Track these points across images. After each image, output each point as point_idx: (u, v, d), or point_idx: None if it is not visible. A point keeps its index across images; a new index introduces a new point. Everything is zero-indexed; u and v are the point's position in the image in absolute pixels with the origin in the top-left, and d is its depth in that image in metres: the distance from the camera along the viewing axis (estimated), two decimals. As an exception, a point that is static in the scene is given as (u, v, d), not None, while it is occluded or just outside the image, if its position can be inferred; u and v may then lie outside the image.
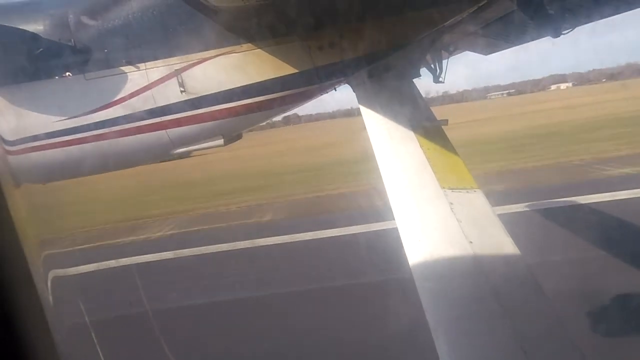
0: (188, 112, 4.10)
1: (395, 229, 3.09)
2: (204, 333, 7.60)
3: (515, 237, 2.93)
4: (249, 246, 12.02)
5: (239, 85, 3.99)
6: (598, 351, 5.40)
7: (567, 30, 4.72)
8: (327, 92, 4.72)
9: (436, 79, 5.23)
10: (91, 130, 4.17)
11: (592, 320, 6.31)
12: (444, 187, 3.22)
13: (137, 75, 4.06)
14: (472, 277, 2.71)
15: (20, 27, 4.02)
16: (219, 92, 4.03)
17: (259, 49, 3.87)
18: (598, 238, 9.11)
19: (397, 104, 3.91)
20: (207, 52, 3.94)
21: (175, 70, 3.97)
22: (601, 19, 5.07)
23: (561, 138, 24.83)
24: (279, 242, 12.06)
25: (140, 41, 4.05)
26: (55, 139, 4.24)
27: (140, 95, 4.08)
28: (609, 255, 8.26)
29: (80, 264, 10.91)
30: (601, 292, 6.91)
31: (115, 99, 4.10)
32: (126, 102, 4.11)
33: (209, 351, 7.15)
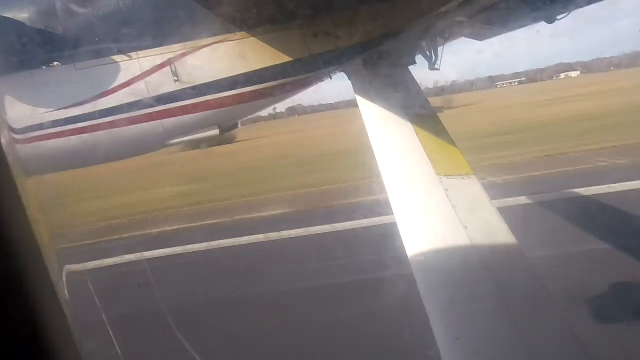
0: (182, 101, 4.07)
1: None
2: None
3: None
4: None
5: (233, 74, 3.96)
6: (588, 331, 5.54)
7: (562, 16, 4.72)
8: (323, 81, 4.70)
9: (432, 67, 5.22)
10: (81, 121, 4.12)
11: (583, 308, 6.43)
12: (439, 174, 3.25)
13: (129, 65, 4.00)
14: (468, 262, 2.76)
15: (5, 16, 3.94)
16: (213, 81, 3.99)
17: (253, 37, 3.83)
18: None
19: (393, 91, 3.90)
20: (201, 40, 3.89)
21: (169, 59, 3.93)
22: (594, 3, 5.07)
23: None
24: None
25: (132, 29, 3.98)
26: (44, 131, 4.19)
27: (133, 85, 4.03)
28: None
29: (95, 259, 10.86)
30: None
31: (107, 89, 4.05)
32: (118, 92, 4.06)
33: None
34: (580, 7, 4.97)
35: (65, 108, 4.11)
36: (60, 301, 0.90)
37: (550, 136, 21.01)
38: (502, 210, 3.10)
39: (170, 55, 3.92)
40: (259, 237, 12.20)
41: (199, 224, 14.94)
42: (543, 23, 4.94)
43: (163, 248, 12.19)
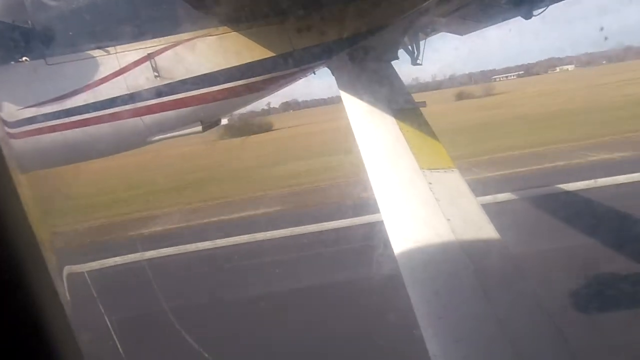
0: (163, 97, 4.00)
1: None
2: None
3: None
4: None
5: (215, 70, 3.90)
6: (570, 321, 5.73)
7: (539, 11, 4.83)
8: (307, 76, 4.69)
9: (414, 62, 5.28)
10: (54, 119, 4.01)
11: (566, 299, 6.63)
12: (422, 168, 3.31)
13: (106, 60, 3.90)
14: (451, 253, 2.83)
15: None
16: (195, 77, 3.93)
17: (235, 32, 3.78)
18: None
19: (376, 86, 3.94)
20: (182, 35, 3.82)
21: (149, 54, 3.84)
22: None
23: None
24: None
25: (110, 23, 3.88)
26: (17, 128, 4.06)
27: (111, 81, 3.93)
28: None
29: (95, 260, 10.61)
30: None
31: (82, 85, 3.94)
32: (95, 88, 3.96)
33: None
34: (555, 2, 5.09)
35: (34, 106, 3.98)
36: (60, 297, 0.89)
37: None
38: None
39: (150, 50, 3.84)
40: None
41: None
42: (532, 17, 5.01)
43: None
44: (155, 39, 3.83)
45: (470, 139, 19.30)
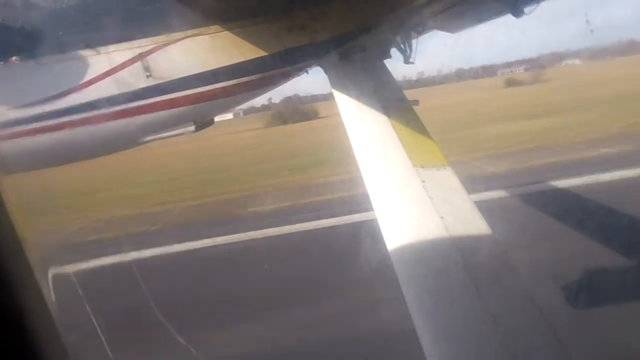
0: (155, 98, 3.97)
1: None
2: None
3: None
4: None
5: (207, 69, 3.88)
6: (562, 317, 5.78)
7: (530, 9, 4.86)
8: (299, 75, 4.69)
9: (406, 60, 5.29)
10: (43, 120, 3.96)
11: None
12: (415, 166, 3.32)
13: (97, 60, 3.86)
14: (444, 250, 2.85)
15: None
16: (187, 77, 3.91)
17: (227, 32, 3.77)
18: None
19: (369, 85, 3.94)
20: (173, 34, 3.80)
21: (140, 54, 3.81)
22: None
23: None
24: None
25: (100, 23, 3.84)
26: (6, 130, 4.01)
27: (101, 81, 3.90)
28: None
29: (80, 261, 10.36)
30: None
31: (73, 86, 3.90)
32: (85, 89, 3.91)
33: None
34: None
35: (23, 107, 3.93)
36: (45, 298, 0.89)
37: None
38: None
39: (142, 50, 3.81)
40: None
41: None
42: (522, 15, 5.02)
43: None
44: (147, 39, 3.80)
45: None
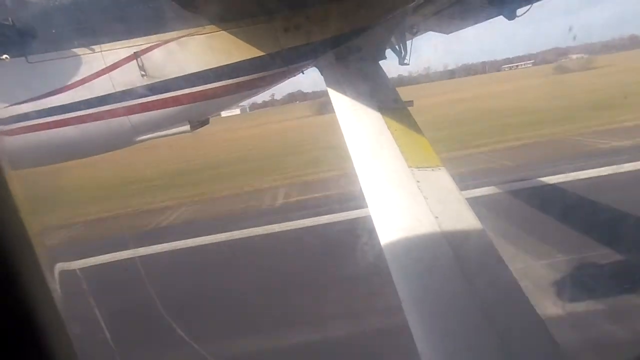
0: (150, 97, 3.95)
1: None
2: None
3: None
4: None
5: (203, 69, 3.88)
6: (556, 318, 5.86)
7: (523, 11, 4.92)
8: (295, 75, 4.69)
9: (401, 61, 5.33)
10: (35, 118, 3.93)
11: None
12: (410, 166, 3.34)
13: (91, 58, 3.84)
14: (438, 250, 2.88)
15: None
16: (182, 76, 3.90)
17: (223, 31, 3.76)
18: None
19: (364, 85, 3.96)
20: (168, 33, 3.78)
21: (135, 52, 3.79)
22: None
23: None
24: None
25: (95, 21, 3.81)
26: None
27: (97, 79, 3.87)
28: None
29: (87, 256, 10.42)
30: None
31: (67, 84, 3.87)
32: (80, 87, 3.89)
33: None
34: (537, 0, 5.19)
35: (15, 104, 3.90)
36: (52, 295, 0.89)
37: None
38: None
39: (137, 49, 3.79)
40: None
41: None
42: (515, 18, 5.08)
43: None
44: (142, 38, 3.79)
45: None
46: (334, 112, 3.85)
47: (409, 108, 3.98)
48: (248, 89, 4.16)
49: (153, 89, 3.91)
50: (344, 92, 3.90)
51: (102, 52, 3.84)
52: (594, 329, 5.82)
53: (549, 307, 6.31)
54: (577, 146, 16.93)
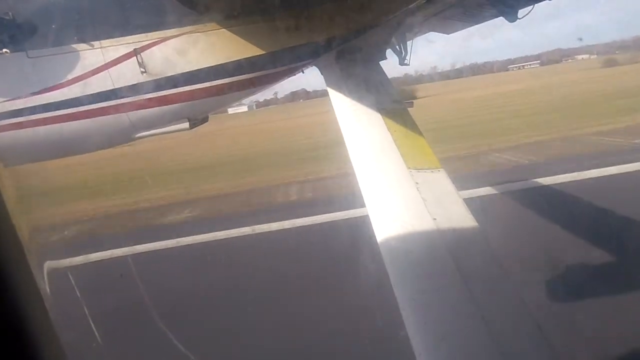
0: (150, 94, 3.94)
1: None
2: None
3: None
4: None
5: (202, 67, 3.87)
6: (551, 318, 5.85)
7: (524, 13, 4.92)
8: (295, 75, 4.69)
9: (402, 62, 5.32)
10: (33, 113, 3.92)
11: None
12: (409, 168, 3.34)
13: (90, 54, 3.82)
14: (436, 252, 2.88)
15: None
16: (182, 73, 3.89)
17: (223, 29, 3.75)
18: None
19: (364, 86, 3.96)
20: (169, 31, 3.77)
21: (135, 49, 3.78)
22: None
23: None
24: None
25: (95, 17, 3.80)
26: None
27: (96, 75, 3.86)
28: None
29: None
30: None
31: (66, 79, 3.86)
32: (79, 83, 3.88)
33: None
34: (538, 2, 5.17)
35: (13, 99, 3.88)
36: (41, 294, 0.88)
37: None
38: None
39: (137, 46, 3.78)
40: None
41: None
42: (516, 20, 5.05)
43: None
44: (142, 34, 3.78)
45: None
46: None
47: (409, 108, 3.99)
48: (247, 87, 4.16)
49: (152, 85, 3.90)
50: (344, 92, 3.90)
51: (102, 48, 3.83)
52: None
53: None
54: None
